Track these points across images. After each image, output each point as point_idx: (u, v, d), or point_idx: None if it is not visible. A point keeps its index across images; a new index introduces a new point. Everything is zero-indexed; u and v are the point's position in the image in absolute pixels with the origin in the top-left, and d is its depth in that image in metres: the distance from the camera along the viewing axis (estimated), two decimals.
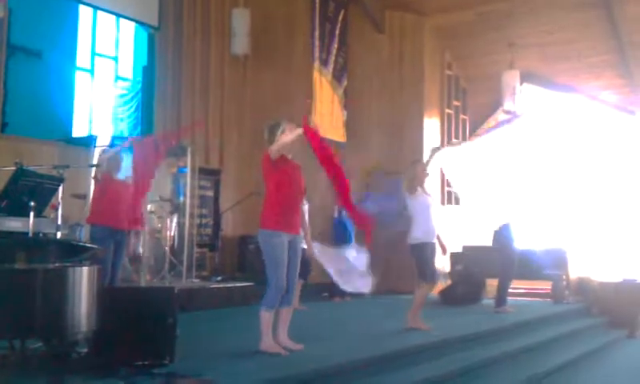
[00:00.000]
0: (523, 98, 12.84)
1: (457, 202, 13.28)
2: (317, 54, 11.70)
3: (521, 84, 12.70)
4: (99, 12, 11.27)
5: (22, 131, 9.17)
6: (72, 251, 4.00)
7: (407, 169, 7.27)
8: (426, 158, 11.91)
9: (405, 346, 5.97)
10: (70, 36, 11.36)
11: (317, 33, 11.61)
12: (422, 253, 6.79)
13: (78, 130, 11.14)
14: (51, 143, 9.14)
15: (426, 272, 6.84)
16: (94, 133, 10.92)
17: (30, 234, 4.32)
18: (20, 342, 4.28)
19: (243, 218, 10.96)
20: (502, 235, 9.13)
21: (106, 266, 6.09)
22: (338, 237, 10.24)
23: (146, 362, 4.29)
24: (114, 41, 12.20)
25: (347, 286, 8.20)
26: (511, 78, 12.57)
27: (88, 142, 9.17)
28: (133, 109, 11.85)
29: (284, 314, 5.26)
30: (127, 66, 12.33)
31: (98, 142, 8.99)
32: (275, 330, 5.25)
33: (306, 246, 5.83)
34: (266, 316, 5.14)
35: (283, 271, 5.09)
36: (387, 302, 10.11)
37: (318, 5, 11.70)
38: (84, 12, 11.40)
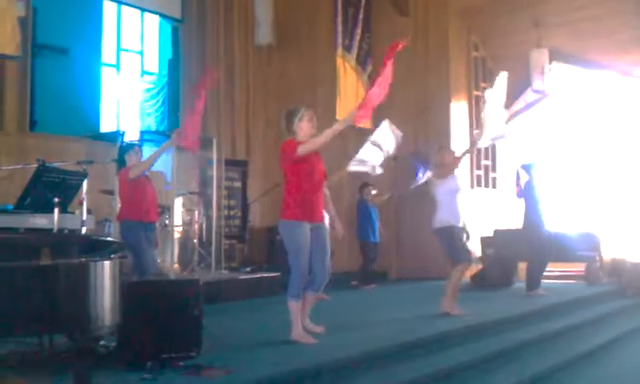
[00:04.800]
0: (552, 76, 12.60)
1: (487, 185, 13.14)
2: (340, 39, 11.61)
3: (550, 63, 12.46)
4: (123, 7, 11.35)
5: (51, 129, 9.30)
6: (96, 246, 4.01)
7: (434, 155, 7.21)
8: (455, 144, 11.76)
9: (436, 332, 5.91)
10: (95, 32, 11.46)
11: (339, 18, 11.51)
12: (450, 235, 6.75)
13: (106, 126, 11.25)
14: (79, 140, 9.24)
15: (458, 253, 6.81)
16: (121, 128, 11.00)
17: (55, 231, 4.35)
18: (49, 339, 4.36)
19: (271, 209, 10.95)
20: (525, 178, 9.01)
21: (144, 259, 6.17)
22: (362, 221, 10.21)
23: (173, 355, 4.30)
24: (139, 35, 12.27)
25: None
26: (540, 56, 12.32)
27: (115, 137, 9.25)
28: (159, 103, 11.93)
29: (308, 299, 5.25)
30: (153, 60, 12.39)
31: (126, 138, 9.06)
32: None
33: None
34: (293, 305, 5.13)
35: (305, 259, 5.06)
36: (415, 287, 10.07)
37: None
38: (108, 7, 11.47)
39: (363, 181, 10.22)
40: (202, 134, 10.25)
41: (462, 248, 6.95)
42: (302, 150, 5.02)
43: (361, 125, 5.60)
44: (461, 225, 6.95)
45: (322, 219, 5.25)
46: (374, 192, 10.46)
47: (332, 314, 6.64)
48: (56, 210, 4.41)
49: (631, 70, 12.33)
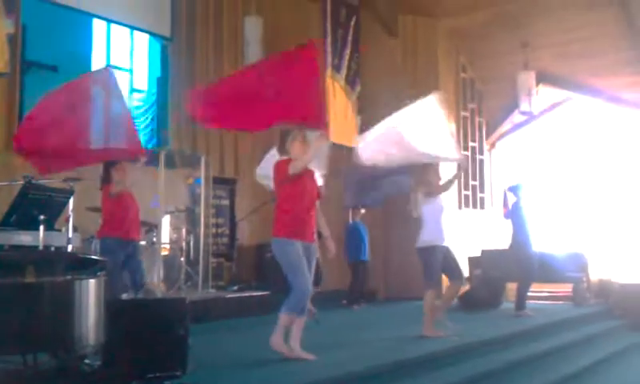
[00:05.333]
0: (539, 99, 12.70)
1: (474, 205, 13.17)
2: (329, 60, 11.64)
3: (537, 85, 12.56)
4: (113, 25, 11.34)
5: None
6: (81, 264, 3.98)
7: (419, 172, 7.04)
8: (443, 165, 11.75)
9: (425, 352, 5.90)
10: (84, 49, 11.43)
11: (329, 39, 11.56)
12: (431, 256, 6.67)
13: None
14: None
15: (432, 277, 6.71)
16: None
17: (41, 248, 4.31)
18: (33, 357, 4.30)
19: (260, 227, 10.91)
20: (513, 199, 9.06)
21: (114, 278, 6.10)
22: (351, 242, 10.20)
23: (158, 374, 4.26)
24: (129, 53, 12.25)
25: None
26: (527, 78, 12.44)
27: None
28: (148, 120, 11.89)
29: (297, 324, 5.20)
30: (142, 78, 12.37)
31: None
32: (288, 338, 5.21)
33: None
34: (285, 318, 5.14)
35: (305, 275, 5.07)
36: (404, 307, 10.04)
37: (329, 11, 11.65)
38: (98, 25, 11.46)
39: None
40: (191, 152, 10.31)
41: (438, 272, 6.74)
42: (294, 168, 5.10)
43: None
44: (444, 244, 6.84)
45: (312, 240, 5.28)
46: (362, 211, 10.47)
47: (321, 333, 6.61)
48: (41, 228, 4.38)
49: (619, 93, 12.42)
